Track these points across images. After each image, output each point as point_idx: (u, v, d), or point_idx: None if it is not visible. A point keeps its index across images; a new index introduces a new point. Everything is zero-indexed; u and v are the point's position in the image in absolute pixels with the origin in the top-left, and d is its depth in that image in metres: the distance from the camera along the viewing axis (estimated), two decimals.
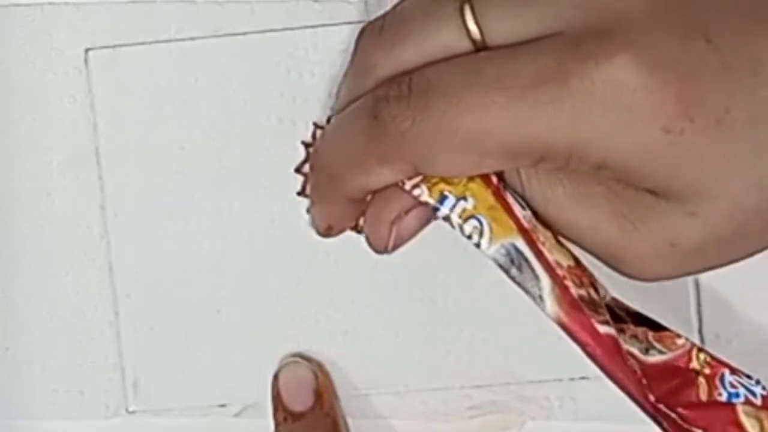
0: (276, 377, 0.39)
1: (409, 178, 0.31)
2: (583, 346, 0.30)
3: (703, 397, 0.31)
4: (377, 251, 0.33)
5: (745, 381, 0.32)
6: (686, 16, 0.28)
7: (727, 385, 0.32)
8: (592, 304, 0.31)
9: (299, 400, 0.39)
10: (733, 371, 0.32)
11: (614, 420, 0.39)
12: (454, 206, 0.30)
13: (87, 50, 0.40)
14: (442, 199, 0.31)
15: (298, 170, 0.40)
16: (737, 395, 0.32)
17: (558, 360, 0.39)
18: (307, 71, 0.40)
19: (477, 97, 0.29)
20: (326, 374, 0.40)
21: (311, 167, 0.33)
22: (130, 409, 0.41)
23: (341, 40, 0.40)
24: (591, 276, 0.32)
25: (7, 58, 0.40)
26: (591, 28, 0.28)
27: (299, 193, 0.40)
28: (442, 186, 0.30)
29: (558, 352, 0.39)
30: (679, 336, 0.33)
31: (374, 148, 0.30)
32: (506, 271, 0.30)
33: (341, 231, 0.36)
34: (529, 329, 0.39)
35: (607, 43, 0.28)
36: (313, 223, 0.34)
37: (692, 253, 0.30)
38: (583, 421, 0.40)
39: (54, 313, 0.40)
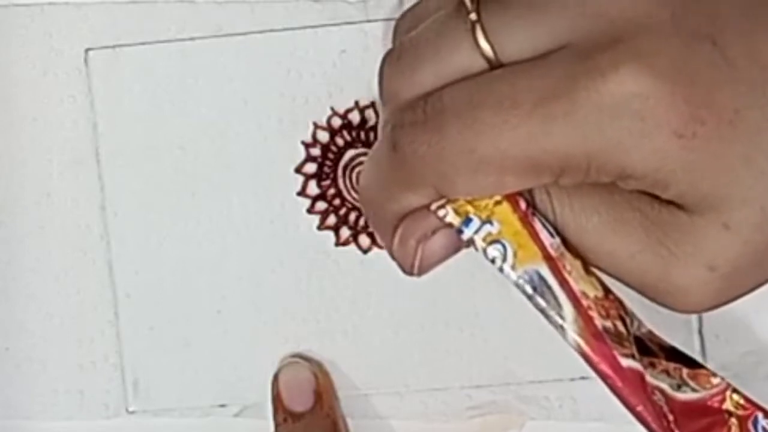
0: (276, 377, 0.39)
1: (435, 200, 0.31)
2: (604, 378, 0.30)
3: None
4: (404, 271, 0.32)
5: None
6: (691, 20, 0.28)
7: (760, 429, 0.31)
8: (618, 337, 0.30)
9: (299, 401, 0.39)
10: (767, 415, 0.32)
11: (614, 420, 0.39)
12: (478, 229, 0.30)
13: (87, 50, 0.40)
14: (467, 221, 0.30)
15: (298, 170, 0.40)
16: None
17: (558, 360, 0.39)
18: (307, 71, 0.40)
19: (489, 117, 0.29)
20: (326, 374, 0.40)
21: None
22: (130, 409, 0.41)
23: (341, 40, 0.40)
24: (621, 308, 0.32)
25: (7, 58, 0.40)
26: (597, 39, 0.28)
27: (299, 193, 0.40)
28: (467, 208, 0.30)
29: (558, 352, 0.39)
30: (714, 375, 0.33)
31: (396, 175, 0.31)
32: (529, 298, 0.30)
33: None
34: (529, 329, 0.39)
35: (612, 53, 0.28)
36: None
37: (731, 275, 0.29)
38: (583, 421, 0.40)
39: (54, 313, 0.40)
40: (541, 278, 0.30)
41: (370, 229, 0.40)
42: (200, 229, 0.40)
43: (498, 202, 0.31)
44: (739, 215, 0.29)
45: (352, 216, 0.40)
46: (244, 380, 0.40)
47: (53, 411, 0.41)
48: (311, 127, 0.40)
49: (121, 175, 0.40)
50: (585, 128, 0.28)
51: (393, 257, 0.33)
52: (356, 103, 0.40)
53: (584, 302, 0.30)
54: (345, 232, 0.40)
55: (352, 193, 0.40)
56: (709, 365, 0.38)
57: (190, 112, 0.40)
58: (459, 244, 0.32)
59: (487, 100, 0.29)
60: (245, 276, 0.40)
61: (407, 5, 0.34)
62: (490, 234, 0.30)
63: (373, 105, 0.40)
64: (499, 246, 0.30)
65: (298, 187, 0.40)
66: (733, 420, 0.32)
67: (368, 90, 0.40)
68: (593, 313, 0.30)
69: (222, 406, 0.41)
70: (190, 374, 0.40)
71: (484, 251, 0.30)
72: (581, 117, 0.28)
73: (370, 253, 0.40)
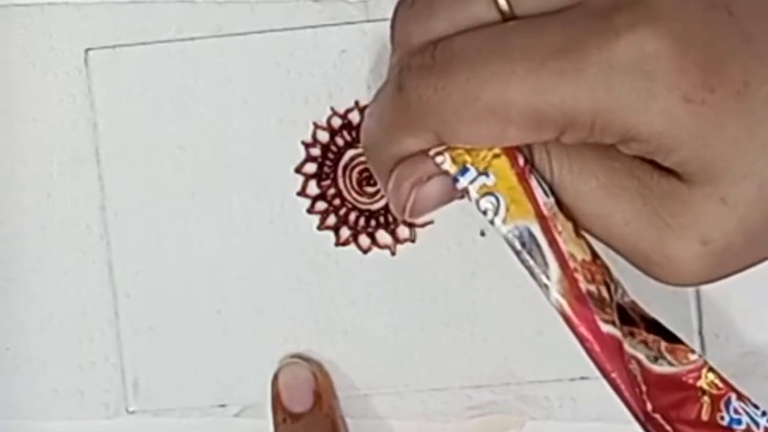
0: (276, 378, 0.39)
1: (434, 146, 0.31)
2: (582, 341, 0.30)
3: (705, 416, 0.31)
4: (397, 213, 0.33)
5: (750, 409, 0.32)
6: None
7: (731, 410, 0.31)
8: (600, 302, 0.30)
9: (298, 401, 0.39)
10: (741, 397, 0.32)
11: (614, 420, 0.39)
12: (474, 180, 0.30)
13: (87, 50, 0.40)
14: (464, 170, 0.31)
15: (298, 170, 0.40)
16: (739, 422, 0.31)
17: (558, 360, 0.39)
18: (307, 71, 0.40)
19: (499, 66, 0.29)
20: (326, 375, 0.40)
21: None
22: (130, 409, 0.41)
23: (341, 40, 0.40)
24: (607, 274, 0.32)
25: (7, 58, 0.40)
26: None
27: (299, 193, 0.40)
28: (465, 158, 0.31)
29: (558, 352, 0.39)
30: (692, 351, 0.33)
31: (399, 118, 0.31)
32: (517, 253, 0.30)
33: None
34: (529, 329, 0.40)
35: (629, 13, 0.28)
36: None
37: (724, 251, 0.29)
38: (583, 421, 0.40)
39: (54, 313, 0.40)
40: (531, 235, 0.30)
41: (370, 229, 0.40)
42: (200, 229, 0.40)
43: (496, 156, 0.31)
44: (738, 190, 0.29)
45: (352, 216, 0.40)
46: (244, 380, 0.40)
47: (53, 411, 0.41)
48: (311, 127, 0.40)
49: (121, 175, 0.40)
50: (594, 85, 0.28)
51: (388, 201, 0.33)
52: (356, 103, 0.40)
53: (571, 264, 0.30)
54: (345, 232, 0.40)
55: (352, 193, 0.40)
56: None
57: (190, 112, 0.40)
58: (453, 193, 0.32)
59: (498, 49, 0.29)
60: (245, 276, 0.40)
61: None
62: (485, 186, 0.30)
63: None
64: (492, 198, 0.30)
65: (298, 187, 0.40)
66: (706, 398, 0.32)
67: (368, 90, 0.40)
68: (579, 276, 0.30)
69: (222, 406, 0.41)
70: (190, 374, 0.40)
71: (477, 202, 0.31)
72: (591, 74, 0.28)
73: (370, 253, 0.40)
